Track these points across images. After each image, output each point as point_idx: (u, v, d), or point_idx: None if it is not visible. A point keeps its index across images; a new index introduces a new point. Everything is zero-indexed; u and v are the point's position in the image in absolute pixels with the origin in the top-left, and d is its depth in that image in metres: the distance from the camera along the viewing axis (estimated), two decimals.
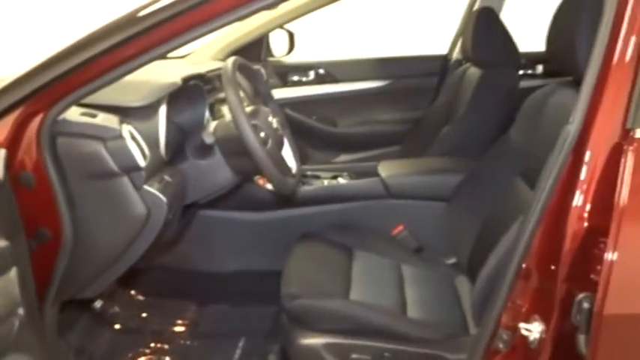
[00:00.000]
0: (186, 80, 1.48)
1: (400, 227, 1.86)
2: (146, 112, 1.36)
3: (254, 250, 1.97)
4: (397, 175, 1.92)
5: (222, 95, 1.89)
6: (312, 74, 2.73)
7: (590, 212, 0.92)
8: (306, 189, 1.92)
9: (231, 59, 1.43)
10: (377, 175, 1.94)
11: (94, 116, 1.26)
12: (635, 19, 0.92)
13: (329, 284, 1.52)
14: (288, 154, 1.61)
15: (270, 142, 1.44)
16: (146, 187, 1.26)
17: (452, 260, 1.81)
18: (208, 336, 1.86)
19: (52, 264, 1.24)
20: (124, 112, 1.33)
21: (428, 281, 1.69)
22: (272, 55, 2.78)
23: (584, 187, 0.94)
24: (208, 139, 1.40)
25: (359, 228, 1.87)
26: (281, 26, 2.67)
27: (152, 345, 1.78)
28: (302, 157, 2.84)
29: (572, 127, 0.95)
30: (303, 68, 2.74)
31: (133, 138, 1.28)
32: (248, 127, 1.31)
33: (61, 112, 1.17)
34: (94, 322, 1.79)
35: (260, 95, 1.67)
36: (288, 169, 1.50)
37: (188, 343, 1.81)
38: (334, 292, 1.49)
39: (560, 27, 1.28)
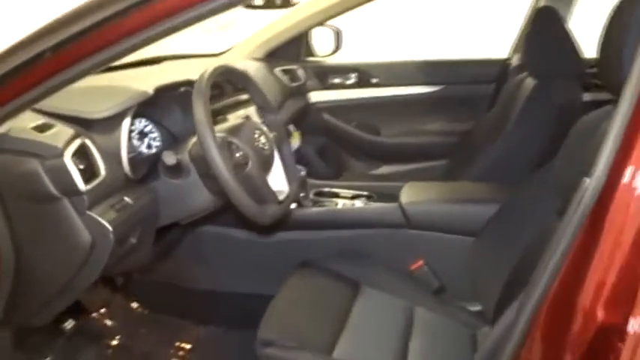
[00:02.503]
0: (160, 90, 1.32)
1: (419, 262, 1.60)
2: (108, 124, 1.21)
3: (257, 271, 1.78)
4: (419, 202, 1.65)
5: (230, 100, 1.72)
6: (354, 77, 2.49)
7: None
8: (315, 211, 1.71)
9: (212, 67, 1.25)
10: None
11: (50, 127, 1.13)
12: None
13: (314, 330, 1.31)
14: (278, 175, 1.41)
15: (250, 163, 1.25)
16: (90, 212, 1.11)
17: (476, 307, 1.53)
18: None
19: None
20: (85, 124, 1.19)
21: (442, 330, 1.43)
22: (314, 55, 2.58)
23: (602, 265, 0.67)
24: (169, 159, 1.21)
25: (371, 259, 1.63)
26: (323, 23, 2.45)
27: None
28: (338, 167, 2.64)
29: (592, 182, 0.69)
30: (344, 70, 2.51)
31: (86, 154, 1.13)
32: (214, 147, 1.12)
33: None
34: (84, 337, 1.70)
35: (260, 106, 1.47)
36: (271, 194, 1.30)
37: None
38: (317, 341, 1.27)
39: (611, 34, 0.99)
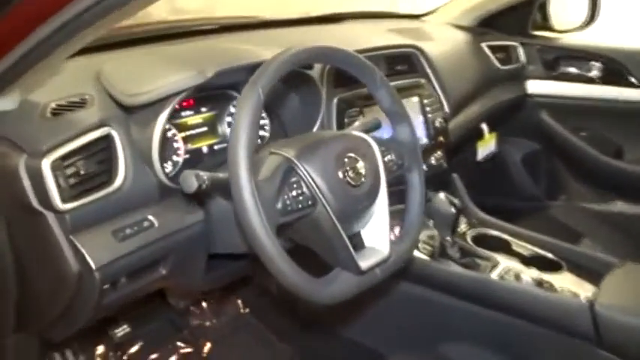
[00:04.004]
0: (220, 74, 0.90)
1: None
2: (145, 113, 0.87)
3: (373, 322, 1.31)
4: (626, 309, 0.95)
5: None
6: (597, 67, 1.73)
7: None
8: (455, 272, 1.14)
9: (293, 50, 0.77)
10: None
11: (77, 108, 0.85)
12: None
13: None
14: (378, 225, 0.88)
15: (318, 206, 0.78)
16: (75, 238, 0.80)
17: None
18: None
19: None
20: (124, 108, 0.88)
21: None
22: (550, 28, 1.86)
23: None
24: (188, 184, 0.78)
25: None
26: None
27: None
28: (551, 186, 1.93)
29: None
30: (587, 55, 1.75)
31: (110, 151, 0.82)
32: (244, 176, 0.68)
33: None
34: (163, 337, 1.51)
35: (388, 111, 0.95)
36: (348, 258, 0.79)
37: None
38: None
39: None
